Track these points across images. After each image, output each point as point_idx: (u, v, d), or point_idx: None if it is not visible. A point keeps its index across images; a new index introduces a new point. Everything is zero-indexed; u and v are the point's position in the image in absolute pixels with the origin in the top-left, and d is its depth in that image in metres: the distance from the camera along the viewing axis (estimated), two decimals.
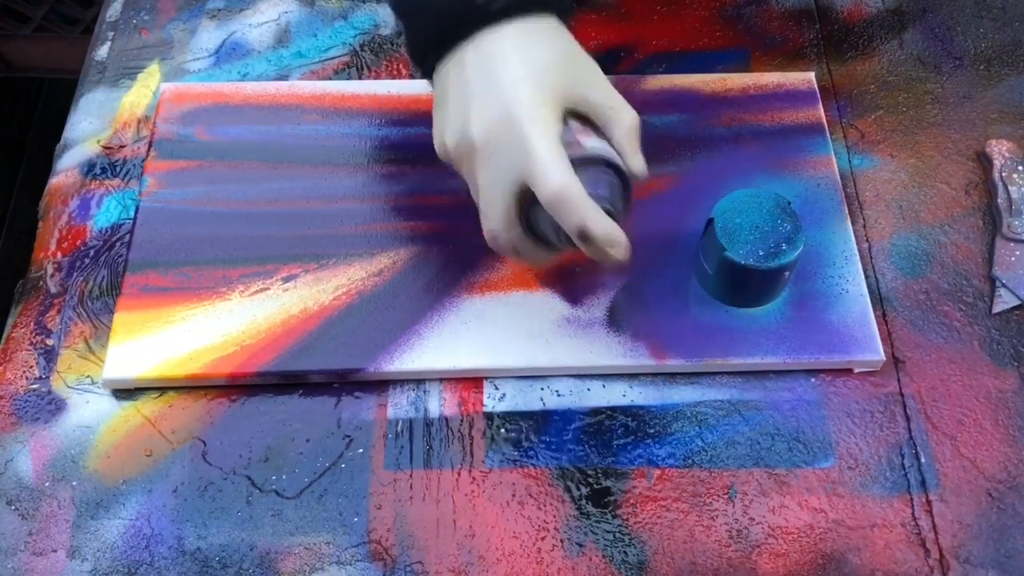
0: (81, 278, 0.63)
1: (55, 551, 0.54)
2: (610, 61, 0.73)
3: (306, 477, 0.56)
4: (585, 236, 0.49)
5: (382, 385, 0.59)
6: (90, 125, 0.71)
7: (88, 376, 0.60)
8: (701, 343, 0.59)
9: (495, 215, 0.51)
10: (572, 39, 0.52)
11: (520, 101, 0.49)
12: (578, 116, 0.52)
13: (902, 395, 0.59)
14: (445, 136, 0.52)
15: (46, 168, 0.69)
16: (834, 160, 0.67)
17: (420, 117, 0.68)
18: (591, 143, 0.51)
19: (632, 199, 0.53)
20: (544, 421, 0.58)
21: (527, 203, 0.51)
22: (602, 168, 0.51)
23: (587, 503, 0.56)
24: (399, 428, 0.58)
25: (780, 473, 0.56)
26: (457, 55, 0.51)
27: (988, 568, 0.53)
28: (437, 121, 0.53)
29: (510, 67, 0.49)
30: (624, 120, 0.52)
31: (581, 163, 0.50)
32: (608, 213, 0.50)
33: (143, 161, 0.67)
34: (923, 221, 0.66)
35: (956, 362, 0.60)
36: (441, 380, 0.59)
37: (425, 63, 0.53)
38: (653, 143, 0.67)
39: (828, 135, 0.68)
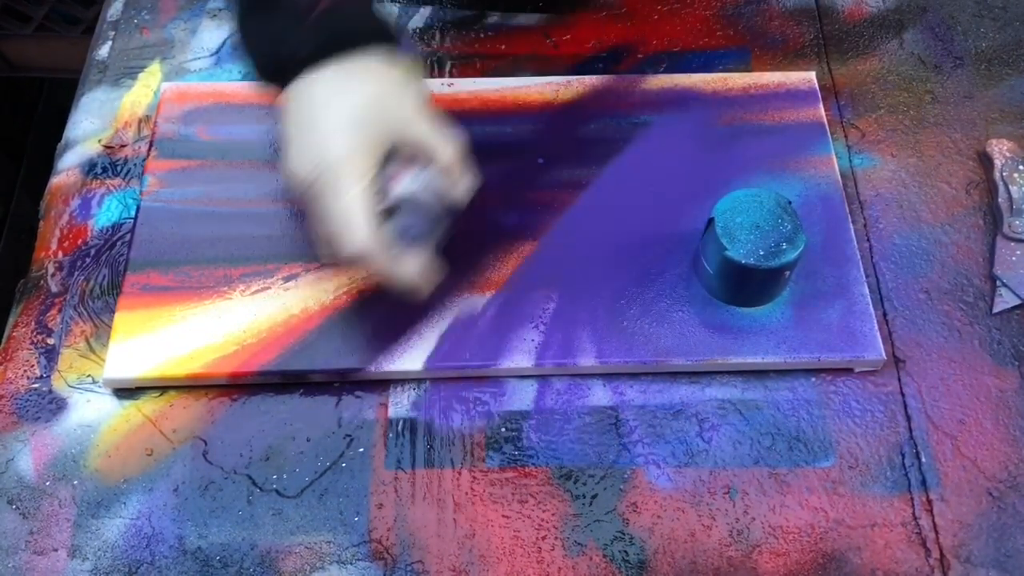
0: (82, 277, 0.64)
1: (56, 550, 0.54)
2: (611, 60, 0.74)
3: (307, 476, 0.56)
4: (391, 286, 0.54)
5: (383, 384, 0.59)
6: (91, 124, 0.71)
7: (89, 375, 0.60)
8: (702, 342, 0.59)
9: (323, 249, 0.54)
10: (390, 75, 0.53)
11: (332, 155, 0.51)
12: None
13: (903, 394, 0.59)
14: (286, 168, 0.54)
15: (47, 167, 0.70)
16: (835, 159, 0.67)
17: None
18: (399, 188, 0.53)
19: (462, 205, 0.55)
20: (545, 420, 0.58)
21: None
22: (410, 208, 0.53)
23: (587, 502, 0.56)
24: (400, 427, 0.58)
25: (781, 472, 0.56)
26: (286, 95, 0.53)
27: (988, 567, 0.53)
28: (283, 148, 0.55)
29: (327, 117, 0.51)
30: (441, 156, 0.54)
31: (392, 209, 0.53)
32: (424, 243, 0.54)
33: (144, 160, 0.67)
34: (924, 220, 0.66)
35: (957, 361, 0.60)
36: (442, 379, 0.59)
37: (269, 82, 0.55)
38: (654, 143, 0.68)
39: (829, 134, 0.68)
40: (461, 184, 0.55)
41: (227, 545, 0.54)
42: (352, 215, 0.51)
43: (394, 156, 0.53)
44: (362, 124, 0.51)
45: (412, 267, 0.54)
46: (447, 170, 0.54)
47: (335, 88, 0.52)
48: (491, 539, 0.55)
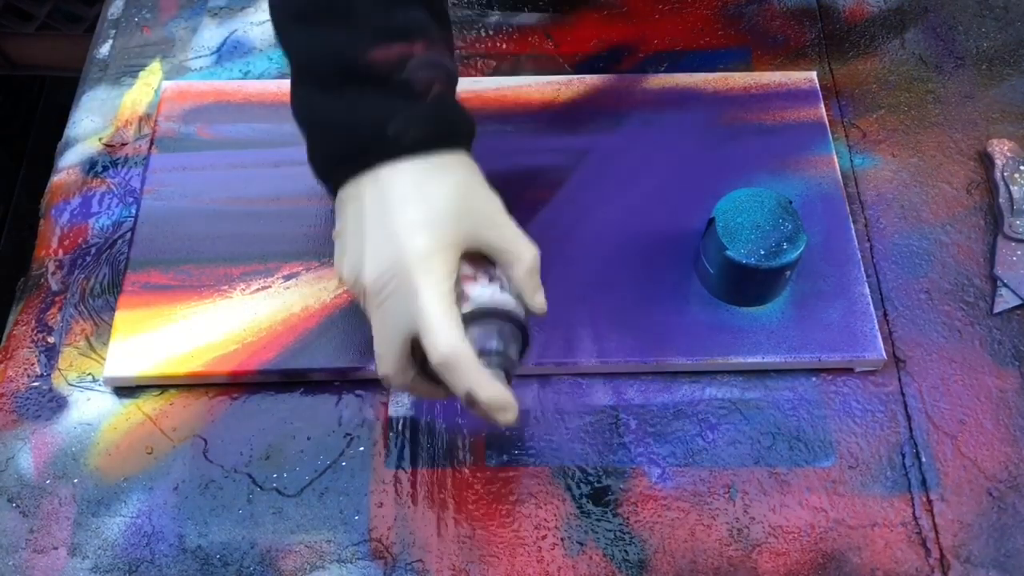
0: (82, 276, 0.64)
1: (56, 548, 0.54)
2: (612, 60, 0.73)
3: (307, 475, 0.56)
4: (472, 402, 0.46)
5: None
6: (92, 123, 0.71)
7: (89, 374, 0.60)
8: (702, 342, 0.59)
9: (388, 362, 0.48)
10: (476, 172, 0.50)
11: (413, 251, 0.46)
12: (478, 254, 0.50)
13: (903, 394, 0.59)
14: (343, 270, 0.50)
15: (48, 166, 0.70)
16: (835, 159, 0.67)
17: None
18: (482, 294, 0.48)
19: (530, 342, 0.49)
20: (545, 420, 0.58)
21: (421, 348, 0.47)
22: (494, 320, 0.48)
23: (588, 502, 0.56)
24: (400, 426, 0.58)
25: (781, 472, 0.56)
26: (357, 185, 0.48)
27: (988, 568, 0.53)
28: (337, 250, 0.51)
29: (407, 211, 0.47)
30: (524, 260, 0.49)
31: (473, 317, 0.47)
32: (506, 363, 0.48)
33: (145, 159, 0.67)
34: (924, 220, 0.66)
35: (957, 361, 0.60)
36: None
37: (327, 182, 0.51)
38: (654, 142, 0.68)
39: (830, 134, 0.68)
40: (536, 299, 0.50)
41: (227, 544, 0.54)
42: (438, 315, 0.45)
43: (472, 259, 0.49)
44: (445, 221, 0.47)
45: (499, 385, 0.46)
46: (526, 279, 0.49)
47: (418, 180, 0.47)
48: (491, 538, 0.55)
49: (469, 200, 0.48)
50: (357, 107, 0.48)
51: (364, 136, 0.48)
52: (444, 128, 0.49)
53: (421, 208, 0.47)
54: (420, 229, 0.46)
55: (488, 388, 0.46)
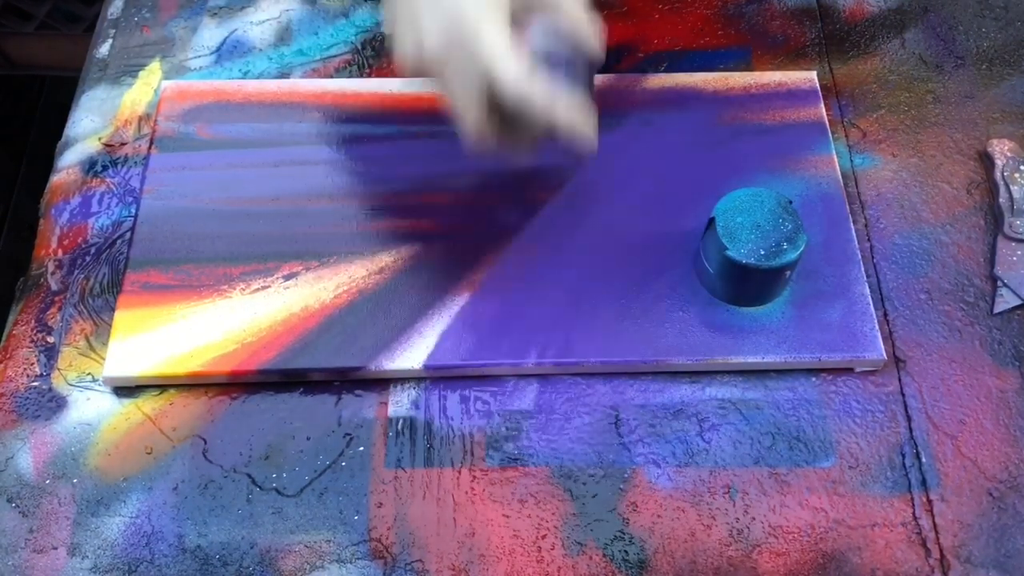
0: (82, 275, 0.64)
1: (55, 548, 0.54)
2: (612, 60, 0.73)
3: (306, 475, 0.56)
4: (554, 129, 0.52)
5: (383, 383, 0.59)
6: (91, 123, 0.71)
7: (89, 373, 0.60)
8: (702, 342, 0.59)
9: (472, 115, 0.53)
10: None
11: (467, 8, 0.50)
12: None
13: (903, 394, 0.59)
14: (407, 51, 0.53)
15: (47, 165, 0.69)
16: (836, 159, 0.67)
17: (422, 115, 0.68)
18: (536, 40, 0.52)
19: (598, 60, 0.54)
20: (545, 420, 0.58)
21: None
22: (555, 54, 0.53)
23: (588, 502, 0.56)
24: (400, 426, 0.58)
25: (781, 472, 0.56)
26: None
27: (989, 568, 0.53)
28: (396, 41, 0.54)
29: None
30: (569, 4, 0.53)
31: (536, 57, 0.52)
32: (576, 80, 0.53)
33: (144, 158, 0.67)
34: (925, 220, 0.66)
35: (957, 362, 0.60)
36: (442, 378, 0.59)
37: None
38: (654, 142, 0.68)
39: (830, 134, 0.68)
40: (591, 29, 0.54)
41: (227, 543, 0.54)
42: (505, 50, 0.50)
43: (523, 6, 0.52)
44: None
45: (572, 107, 0.52)
46: (575, 17, 0.53)
47: None
48: (491, 538, 0.55)
49: None
50: None
51: None
52: None
53: None
54: None
55: (566, 110, 0.51)
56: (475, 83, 0.51)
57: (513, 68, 0.50)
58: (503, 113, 0.53)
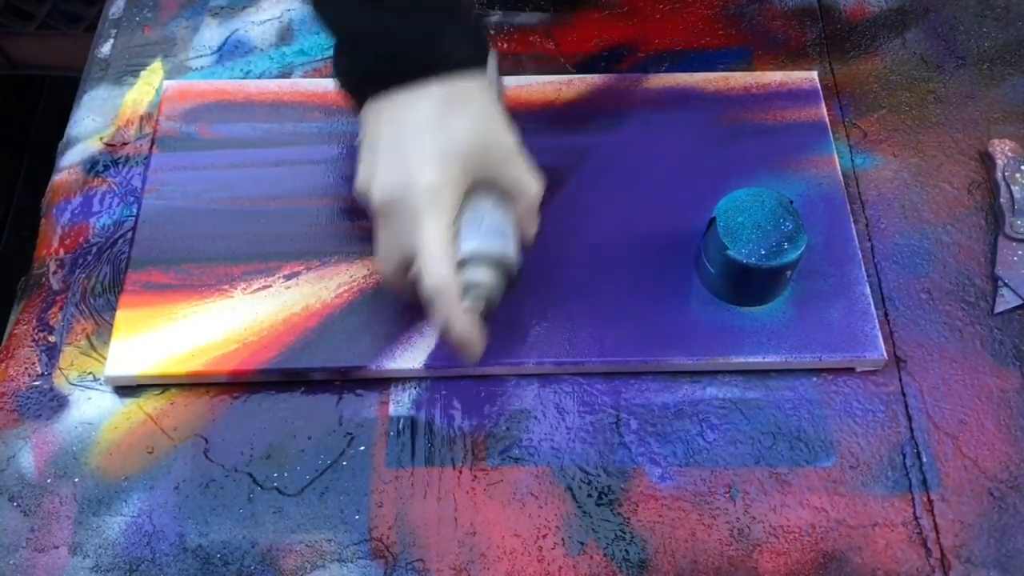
0: (83, 275, 0.64)
1: (57, 548, 0.54)
2: (613, 60, 0.73)
3: (307, 474, 0.56)
4: (446, 332, 0.51)
5: (384, 383, 0.59)
6: (93, 122, 0.71)
7: (90, 373, 0.60)
8: (703, 342, 0.59)
9: (387, 270, 0.54)
10: (494, 101, 0.52)
11: (424, 184, 0.49)
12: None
13: (904, 394, 0.59)
14: (358, 180, 0.52)
15: (49, 165, 0.70)
16: (836, 159, 0.67)
17: None
18: (470, 246, 0.51)
19: (518, 280, 0.54)
20: (546, 419, 0.58)
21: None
22: (486, 258, 0.52)
23: (588, 501, 0.56)
24: (400, 426, 0.58)
25: (781, 472, 0.56)
26: (386, 101, 0.50)
27: (989, 568, 0.53)
28: (360, 159, 0.53)
29: (423, 143, 0.49)
30: (528, 195, 0.53)
31: (467, 254, 0.51)
32: (491, 296, 0.52)
33: (146, 158, 0.67)
34: (925, 220, 0.66)
35: (958, 361, 0.60)
36: (443, 378, 0.59)
37: (357, 93, 0.52)
38: (655, 142, 0.68)
39: (831, 134, 0.68)
40: (531, 231, 0.54)
41: (228, 543, 0.54)
42: (435, 250, 0.49)
43: (478, 191, 0.52)
44: (459, 157, 0.49)
45: (472, 323, 0.51)
46: (527, 212, 0.53)
47: (442, 111, 0.49)
48: (492, 538, 0.55)
49: (486, 135, 0.51)
50: (408, 19, 0.49)
51: (415, 51, 0.49)
52: (483, 48, 0.51)
53: (439, 140, 0.49)
54: (432, 164, 0.49)
55: (461, 325, 0.51)
56: (401, 252, 0.51)
57: (435, 269, 0.49)
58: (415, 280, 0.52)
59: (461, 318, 0.50)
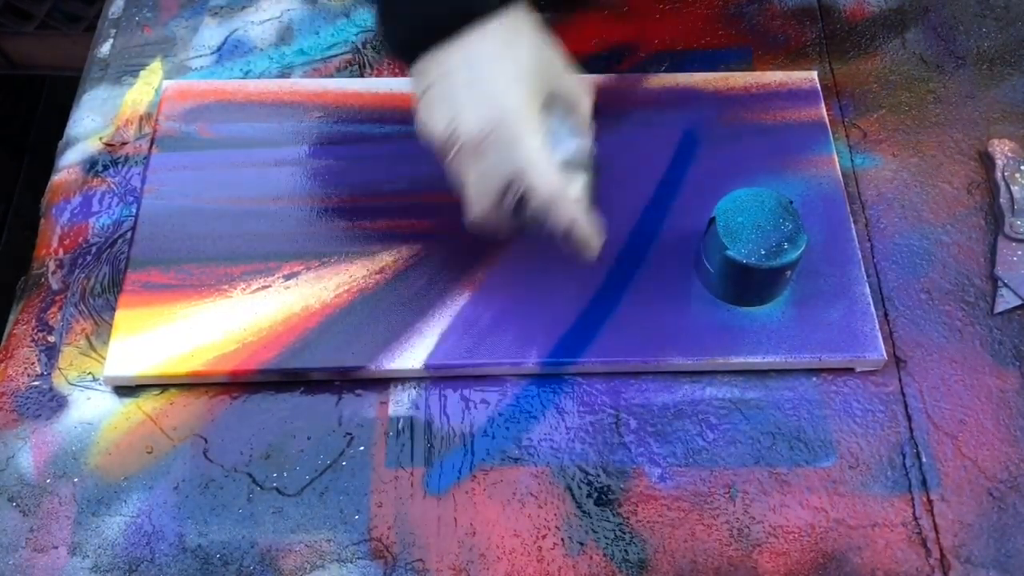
0: (83, 275, 0.64)
1: (56, 548, 0.54)
2: (613, 60, 0.73)
3: (307, 475, 0.56)
4: (570, 235, 0.54)
5: (383, 383, 0.59)
6: (92, 122, 0.71)
7: (89, 373, 0.60)
8: (703, 342, 0.59)
9: (485, 204, 0.54)
10: (541, 29, 0.55)
11: (513, 106, 0.52)
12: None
13: (903, 394, 0.59)
14: (436, 128, 0.53)
15: (48, 165, 0.70)
16: (836, 159, 0.67)
17: None
18: (569, 146, 0.55)
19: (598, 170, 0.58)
20: (545, 419, 0.58)
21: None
22: (574, 160, 0.55)
23: (588, 501, 0.56)
24: (400, 426, 0.58)
25: (781, 472, 0.56)
26: (444, 50, 0.52)
27: (989, 568, 0.53)
28: (423, 111, 0.54)
29: (504, 69, 0.52)
30: (584, 102, 0.56)
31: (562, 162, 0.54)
32: (591, 196, 0.55)
33: (145, 158, 0.67)
34: (925, 220, 0.66)
35: (958, 361, 0.60)
36: (442, 378, 0.59)
37: (409, 53, 0.54)
38: (655, 141, 0.68)
39: (830, 134, 0.68)
40: (589, 136, 0.56)
41: (227, 543, 0.54)
42: (542, 162, 0.52)
43: (550, 107, 0.54)
44: (533, 76, 0.53)
45: (592, 221, 0.54)
46: (584, 119, 0.56)
47: (506, 42, 0.52)
48: (491, 538, 0.55)
49: (544, 55, 0.54)
50: None
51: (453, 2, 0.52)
52: None
53: (512, 66, 0.52)
54: (517, 85, 0.52)
55: (587, 225, 0.54)
56: (501, 180, 0.52)
57: (549, 177, 0.52)
58: (515, 208, 0.54)
59: (583, 215, 0.53)
